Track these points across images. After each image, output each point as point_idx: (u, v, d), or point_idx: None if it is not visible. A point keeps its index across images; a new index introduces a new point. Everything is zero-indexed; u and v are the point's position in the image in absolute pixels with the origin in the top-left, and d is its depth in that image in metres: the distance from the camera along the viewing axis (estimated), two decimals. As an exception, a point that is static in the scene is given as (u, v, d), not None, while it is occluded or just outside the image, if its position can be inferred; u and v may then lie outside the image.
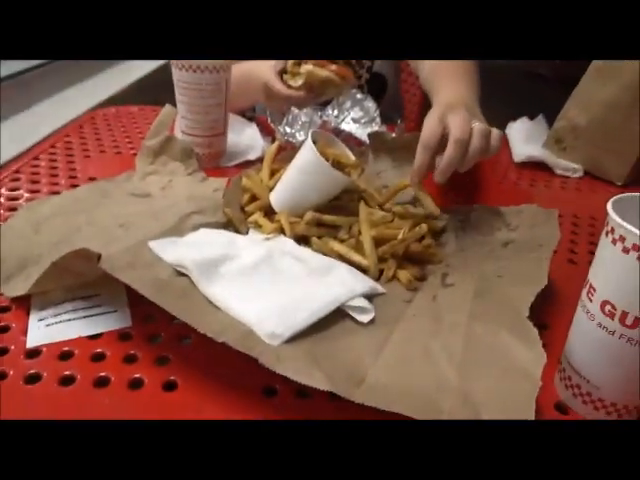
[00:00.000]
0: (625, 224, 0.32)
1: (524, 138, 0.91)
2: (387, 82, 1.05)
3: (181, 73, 0.67)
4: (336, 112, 0.85)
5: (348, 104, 0.85)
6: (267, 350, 0.34)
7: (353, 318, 0.41)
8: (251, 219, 0.56)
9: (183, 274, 0.41)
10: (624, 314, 0.33)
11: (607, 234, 0.34)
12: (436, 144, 0.52)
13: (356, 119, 0.85)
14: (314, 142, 0.54)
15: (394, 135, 0.71)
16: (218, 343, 0.35)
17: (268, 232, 0.53)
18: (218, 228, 0.53)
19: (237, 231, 0.54)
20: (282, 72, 0.76)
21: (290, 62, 0.74)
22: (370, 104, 0.83)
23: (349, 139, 0.75)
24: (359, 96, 0.83)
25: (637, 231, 0.31)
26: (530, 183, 0.81)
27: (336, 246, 0.52)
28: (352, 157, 0.56)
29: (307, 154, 0.53)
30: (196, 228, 0.49)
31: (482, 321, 0.39)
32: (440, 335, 0.38)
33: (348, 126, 0.84)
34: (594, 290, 0.35)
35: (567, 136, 0.86)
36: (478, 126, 0.53)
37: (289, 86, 0.74)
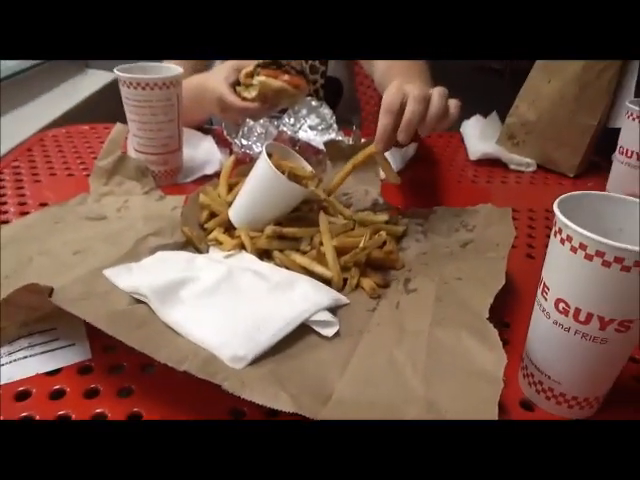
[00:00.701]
0: (571, 224, 0.33)
1: (478, 135, 0.93)
2: (342, 86, 1.05)
3: (129, 90, 0.65)
4: (292, 120, 0.85)
5: (304, 112, 0.85)
6: (231, 375, 0.34)
7: (318, 332, 0.41)
8: (211, 236, 0.56)
9: (141, 301, 0.40)
10: (577, 311, 0.34)
11: (556, 234, 0.35)
12: (398, 107, 0.52)
13: (313, 126, 0.85)
14: (269, 155, 0.54)
15: (350, 142, 0.71)
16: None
17: (229, 249, 0.52)
18: (177, 249, 0.52)
19: (197, 250, 0.53)
20: (235, 84, 0.75)
21: (243, 74, 0.74)
22: (326, 111, 0.84)
23: (306, 148, 0.75)
24: (314, 103, 0.83)
25: (582, 231, 0.32)
26: (487, 180, 0.83)
27: (298, 258, 0.51)
28: (308, 168, 0.56)
29: (262, 168, 0.53)
30: (153, 251, 0.48)
31: (444, 326, 0.39)
32: (403, 344, 0.38)
33: (306, 134, 0.84)
34: (548, 289, 0.36)
35: (519, 132, 0.89)
36: (437, 89, 0.54)
37: (243, 98, 0.73)
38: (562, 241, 0.34)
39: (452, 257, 0.50)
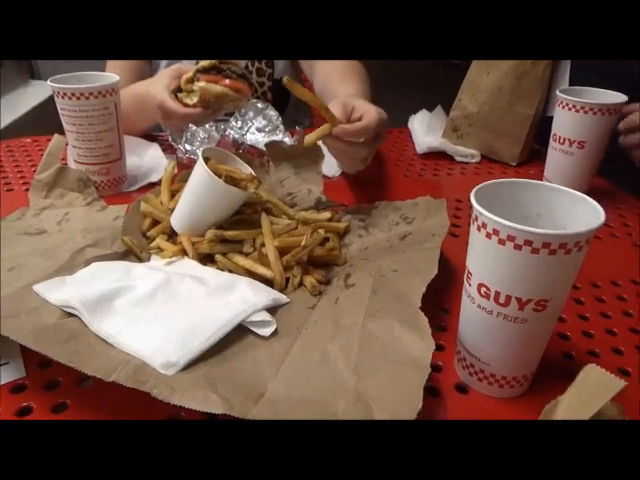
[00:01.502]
0: (484, 211, 0.34)
1: (425, 130, 0.95)
2: (290, 88, 1.05)
3: (64, 101, 0.64)
4: (239, 124, 0.85)
5: (251, 114, 0.85)
6: (161, 382, 0.34)
7: (256, 333, 0.41)
8: (153, 244, 0.55)
9: (73, 314, 0.40)
10: (497, 294, 0.36)
11: (473, 222, 0.36)
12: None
13: (260, 128, 0.85)
14: (206, 159, 0.54)
15: (290, 143, 0.72)
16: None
17: (170, 255, 0.52)
18: (116, 259, 0.51)
19: (138, 259, 0.53)
20: (177, 91, 0.75)
21: (183, 80, 0.73)
22: (272, 112, 0.84)
23: (251, 151, 0.75)
24: (260, 105, 0.84)
25: (494, 217, 0.34)
26: (433, 172, 0.85)
27: (241, 261, 0.52)
28: (247, 170, 0.56)
29: (199, 173, 0.53)
30: (89, 263, 0.47)
31: (377, 318, 0.40)
32: (337, 338, 0.39)
33: (254, 136, 0.84)
34: (471, 274, 0.38)
35: (462, 124, 0.91)
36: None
37: (185, 104, 0.73)
38: (479, 228, 0.35)
39: (391, 250, 0.51)
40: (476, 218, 0.36)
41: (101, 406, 0.37)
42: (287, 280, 0.50)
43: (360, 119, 0.58)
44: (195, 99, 0.72)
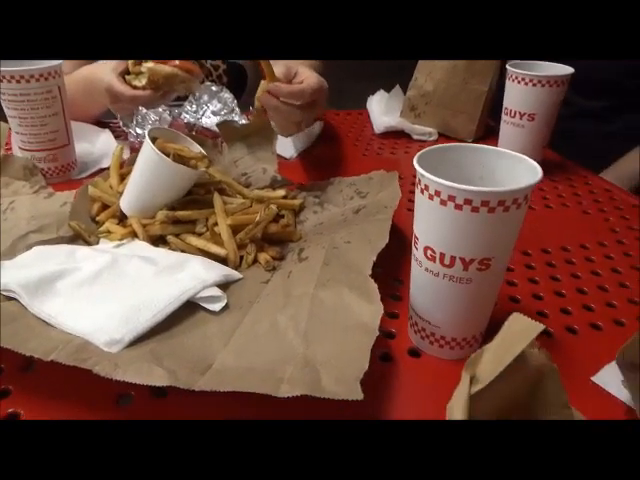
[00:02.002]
0: (425, 174, 0.35)
1: (384, 110, 0.96)
2: (246, 71, 1.04)
3: (4, 85, 0.61)
4: (194, 107, 0.83)
5: (205, 98, 0.83)
6: (104, 359, 0.33)
7: (206, 309, 0.40)
8: (102, 228, 0.54)
9: (14, 298, 0.38)
10: (442, 255, 0.36)
11: (417, 185, 0.36)
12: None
13: (216, 112, 0.83)
14: (154, 139, 0.52)
15: (243, 122, 0.71)
16: (64, 364, 0.33)
17: (119, 238, 0.50)
18: (62, 243, 0.49)
19: (87, 243, 0.51)
20: (125, 73, 0.72)
21: (131, 61, 0.71)
22: (227, 95, 0.82)
23: (204, 133, 0.73)
24: (215, 88, 0.82)
25: (435, 178, 0.34)
26: (391, 151, 0.85)
27: (194, 241, 0.51)
28: (197, 149, 0.55)
29: (146, 153, 0.51)
30: (31, 248, 0.45)
31: (327, 287, 0.40)
32: (288, 308, 0.39)
33: (209, 120, 0.82)
34: (417, 238, 0.38)
35: (419, 103, 0.91)
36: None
37: (133, 87, 0.71)
38: (422, 191, 0.36)
39: (345, 224, 0.51)
40: (419, 181, 0.36)
41: (46, 392, 0.36)
42: (241, 258, 0.50)
43: (300, 84, 0.58)
44: (144, 81, 0.70)
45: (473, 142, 0.89)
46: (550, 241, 0.58)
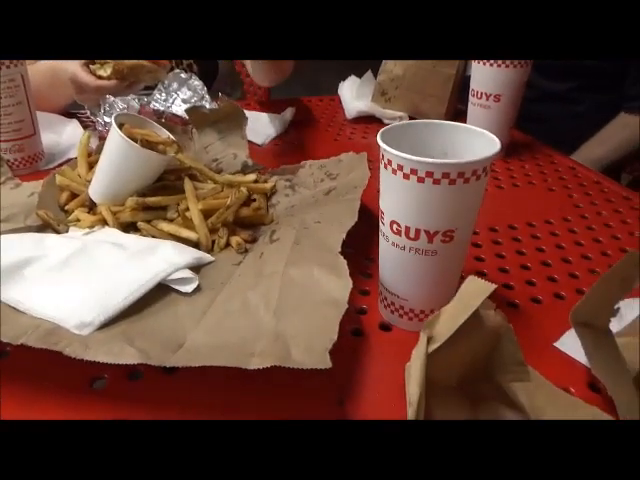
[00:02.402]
0: (388, 148, 0.35)
1: (355, 95, 0.96)
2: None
3: (-37, 74, 0.60)
4: (164, 96, 0.82)
5: (175, 86, 0.82)
6: (75, 341, 0.33)
7: (177, 291, 0.41)
8: (72, 217, 0.53)
9: (-20, 287, 0.38)
10: (407, 229, 0.37)
11: (381, 161, 0.37)
12: None
13: (186, 99, 0.83)
14: (120, 125, 0.52)
15: (211, 107, 0.71)
16: (38, 350, 0.33)
17: (88, 226, 0.50)
18: (31, 232, 0.49)
19: (56, 232, 0.51)
20: (89, 63, 0.71)
21: (96, 49, 0.70)
22: (196, 82, 0.82)
23: (174, 119, 0.73)
24: (184, 76, 0.81)
25: (397, 152, 0.35)
26: (362, 136, 0.86)
27: (165, 226, 0.51)
28: (165, 134, 0.55)
29: (113, 139, 0.51)
30: (-3, 237, 0.45)
31: (297, 265, 0.40)
32: (259, 287, 0.39)
33: (180, 108, 0.82)
34: (383, 213, 0.39)
35: (389, 87, 0.92)
36: None
37: (99, 76, 0.70)
38: (385, 166, 0.36)
39: (316, 205, 0.52)
40: (382, 157, 0.37)
41: (19, 376, 0.36)
42: (214, 242, 0.50)
43: None
44: (109, 71, 0.69)
45: (443, 125, 0.90)
46: (517, 218, 0.60)
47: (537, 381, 0.30)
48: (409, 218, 0.37)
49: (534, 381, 0.30)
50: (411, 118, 0.92)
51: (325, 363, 0.30)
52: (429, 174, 0.34)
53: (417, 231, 0.37)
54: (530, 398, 0.29)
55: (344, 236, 0.43)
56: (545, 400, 0.29)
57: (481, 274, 0.50)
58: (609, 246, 0.54)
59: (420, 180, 0.34)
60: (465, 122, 0.79)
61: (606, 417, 0.29)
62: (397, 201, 0.37)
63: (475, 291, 0.24)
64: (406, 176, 0.35)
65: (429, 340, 0.23)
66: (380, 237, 0.40)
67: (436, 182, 0.34)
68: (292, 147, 0.79)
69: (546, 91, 0.99)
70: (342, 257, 0.40)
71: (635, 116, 0.94)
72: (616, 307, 0.44)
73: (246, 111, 0.91)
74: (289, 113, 0.89)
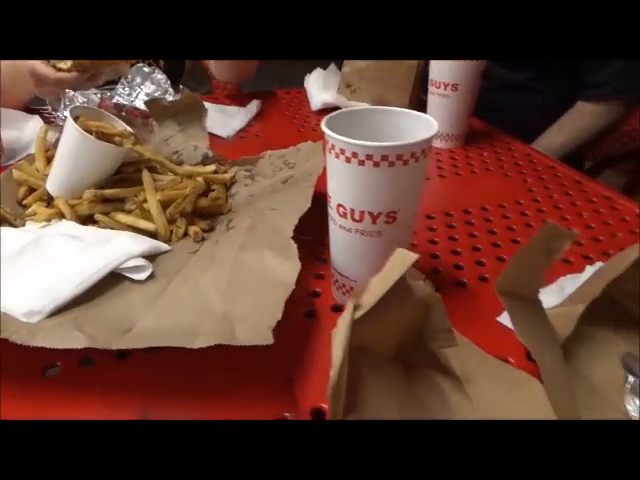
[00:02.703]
0: (331, 133, 0.36)
1: (321, 87, 0.97)
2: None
3: None
4: (128, 90, 0.82)
5: (138, 80, 0.82)
6: (22, 329, 0.33)
7: (131, 279, 0.41)
8: (29, 211, 0.53)
9: None
10: (352, 211, 0.38)
11: (326, 145, 0.38)
12: None
13: (149, 93, 0.83)
14: (77, 118, 0.52)
15: (171, 99, 0.71)
16: None
17: (44, 219, 0.50)
18: (-15, 227, 0.49)
19: (13, 227, 0.51)
20: (49, 55, 0.71)
21: (54, 43, 0.70)
22: (160, 76, 0.82)
23: (134, 113, 0.73)
24: (147, 70, 0.81)
25: (338, 136, 0.36)
26: (327, 127, 0.87)
27: (123, 218, 0.51)
28: (121, 126, 0.55)
29: (69, 131, 0.51)
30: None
31: (249, 249, 0.41)
32: (210, 271, 0.40)
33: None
34: (330, 197, 0.40)
35: (354, 79, 0.93)
36: None
37: (58, 69, 0.69)
38: (330, 150, 0.38)
39: (272, 193, 0.53)
40: (327, 142, 0.38)
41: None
42: (172, 233, 0.51)
43: None
44: (69, 63, 0.69)
45: (407, 116, 0.92)
46: (472, 202, 0.61)
47: (469, 348, 0.31)
48: (353, 201, 0.38)
49: (466, 348, 0.31)
50: (375, 109, 0.93)
51: (267, 340, 0.31)
52: (369, 157, 0.35)
53: (361, 213, 0.38)
54: (462, 364, 0.30)
55: (296, 221, 0.44)
56: (476, 365, 0.30)
57: (434, 257, 0.51)
58: (558, 227, 0.57)
59: (361, 163, 0.36)
60: (427, 111, 0.81)
61: (533, 381, 0.30)
62: (341, 184, 0.38)
63: (399, 262, 0.26)
64: (348, 159, 0.36)
65: (356, 308, 0.24)
66: (329, 221, 0.42)
67: (376, 165, 0.35)
68: (257, 139, 0.80)
69: (506, 81, 1.01)
70: (293, 241, 0.41)
71: (592, 104, 0.97)
72: (559, 282, 0.46)
73: (211, 104, 0.92)
74: (255, 106, 0.90)
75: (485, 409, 0.29)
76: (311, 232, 0.48)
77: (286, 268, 0.38)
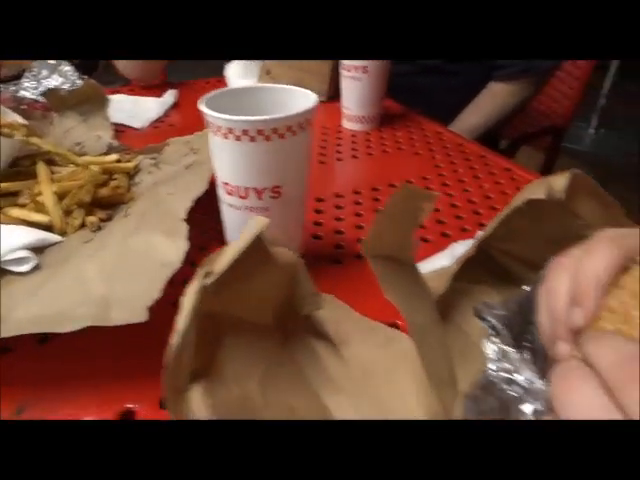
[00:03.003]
0: (208, 110, 0.36)
1: (241, 75, 0.97)
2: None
3: None
4: (34, 84, 0.78)
5: (45, 73, 0.79)
6: None
7: (14, 272, 0.40)
8: None
9: None
10: (237, 188, 0.38)
11: (206, 124, 0.38)
12: None
13: (57, 86, 0.79)
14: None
15: (69, 89, 0.69)
16: None
17: None
18: None
19: None
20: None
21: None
22: (67, 68, 0.79)
23: (34, 105, 0.70)
24: (52, 62, 0.78)
25: (214, 113, 0.36)
26: (246, 115, 0.87)
27: (15, 212, 0.49)
28: (12, 118, 0.53)
29: (-52, 123, 0.48)
30: None
31: (138, 234, 0.41)
32: (96, 257, 0.39)
33: (50, 95, 0.78)
34: (217, 176, 0.40)
35: (273, 66, 0.93)
36: None
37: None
38: (209, 128, 0.37)
39: (174, 179, 0.52)
40: (206, 121, 0.38)
41: None
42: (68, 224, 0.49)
43: None
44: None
45: (327, 101, 0.93)
46: (380, 181, 0.63)
47: (344, 312, 0.32)
48: (236, 177, 0.38)
49: (342, 312, 0.32)
50: (295, 95, 0.94)
51: (140, 317, 0.30)
52: (245, 132, 0.35)
53: (246, 190, 0.38)
54: (337, 327, 0.31)
55: (190, 203, 0.44)
56: (350, 327, 0.31)
57: (339, 233, 0.52)
58: (459, 199, 0.59)
59: (238, 139, 0.36)
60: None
61: (404, 337, 0.32)
62: (223, 162, 0.38)
63: (251, 228, 0.26)
64: (226, 136, 0.36)
65: (206, 275, 0.24)
66: (219, 200, 0.42)
67: (252, 139, 0.36)
68: (172, 129, 0.79)
69: (424, 64, 1.04)
70: (185, 223, 0.41)
71: (504, 84, 1.01)
72: (451, 247, 0.48)
73: (126, 96, 0.90)
74: (171, 96, 0.88)
75: (357, 368, 0.30)
76: (211, 213, 0.48)
77: (172, 249, 0.37)
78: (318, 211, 0.56)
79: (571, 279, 0.25)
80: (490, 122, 1.02)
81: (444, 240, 0.51)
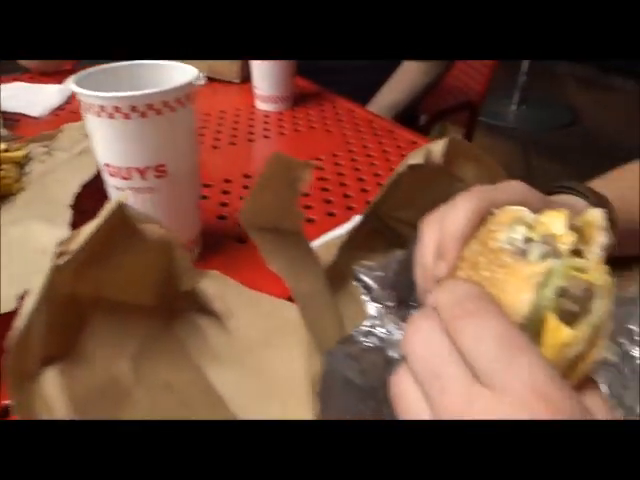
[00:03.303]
0: (77, 88, 0.35)
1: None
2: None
3: None
4: None
5: None
6: None
7: None
8: None
9: None
10: (119, 169, 0.37)
11: (79, 104, 0.36)
12: None
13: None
14: None
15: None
16: None
17: None
18: None
19: None
20: None
21: None
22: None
23: None
24: None
25: (81, 90, 0.34)
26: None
27: None
28: None
29: None
30: None
31: (18, 223, 0.39)
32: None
33: None
34: (98, 159, 0.38)
35: (183, 48, 0.90)
36: None
37: None
38: (81, 106, 0.36)
39: (64, 165, 0.50)
40: (78, 100, 0.36)
41: None
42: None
43: None
44: None
45: (242, 82, 0.91)
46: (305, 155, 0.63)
47: (231, 286, 0.32)
48: (116, 157, 0.37)
49: (229, 287, 0.32)
50: (210, 79, 0.91)
51: (8, 306, 0.29)
52: (117, 109, 0.34)
53: (128, 170, 0.37)
54: (221, 300, 0.31)
55: (77, 189, 0.42)
56: (235, 299, 0.31)
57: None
58: (366, 172, 0.60)
59: (111, 116, 0.34)
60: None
61: (288, 305, 0.32)
62: (101, 142, 0.37)
63: (109, 206, 0.25)
64: (98, 114, 0.35)
65: (60, 255, 0.24)
66: (106, 184, 0.40)
67: (126, 117, 0.34)
68: (73, 116, 0.74)
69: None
70: (70, 208, 0.39)
71: (416, 62, 1.03)
72: (354, 218, 0.49)
73: (25, 84, 0.84)
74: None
75: (241, 338, 0.30)
76: (102, 198, 0.46)
77: (52, 236, 0.36)
78: (225, 192, 0.56)
79: (437, 233, 0.26)
80: (408, 99, 1.04)
81: (349, 213, 0.52)
